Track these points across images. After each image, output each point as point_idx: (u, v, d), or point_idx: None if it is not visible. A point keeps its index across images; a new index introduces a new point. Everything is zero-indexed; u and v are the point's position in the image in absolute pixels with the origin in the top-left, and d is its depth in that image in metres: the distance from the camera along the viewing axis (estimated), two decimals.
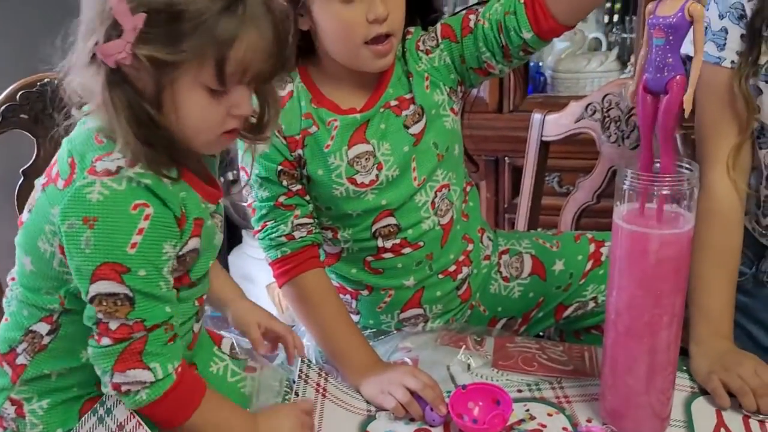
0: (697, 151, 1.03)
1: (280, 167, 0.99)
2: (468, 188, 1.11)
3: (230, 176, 2.77)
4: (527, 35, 0.95)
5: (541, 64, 2.10)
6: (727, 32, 0.97)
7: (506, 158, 1.91)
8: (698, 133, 1.02)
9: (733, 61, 0.96)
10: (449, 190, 1.05)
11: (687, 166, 0.79)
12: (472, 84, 1.05)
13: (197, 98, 0.73)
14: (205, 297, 0.88)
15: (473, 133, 1.13)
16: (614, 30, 2.08)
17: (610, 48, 2.03)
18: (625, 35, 2.05)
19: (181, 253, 0.78)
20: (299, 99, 1.00)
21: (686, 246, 0.80)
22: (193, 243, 0.79)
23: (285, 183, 1.00)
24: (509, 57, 0.98)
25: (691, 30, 0.75)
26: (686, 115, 0.76)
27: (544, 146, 1.37)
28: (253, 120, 0.83)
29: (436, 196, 1.04)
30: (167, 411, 0.78)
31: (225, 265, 2.32)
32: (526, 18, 0.94)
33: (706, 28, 0.99)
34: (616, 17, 2.10)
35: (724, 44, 0.97)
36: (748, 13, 0.95)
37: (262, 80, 0.77)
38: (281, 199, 1.00)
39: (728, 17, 0.97)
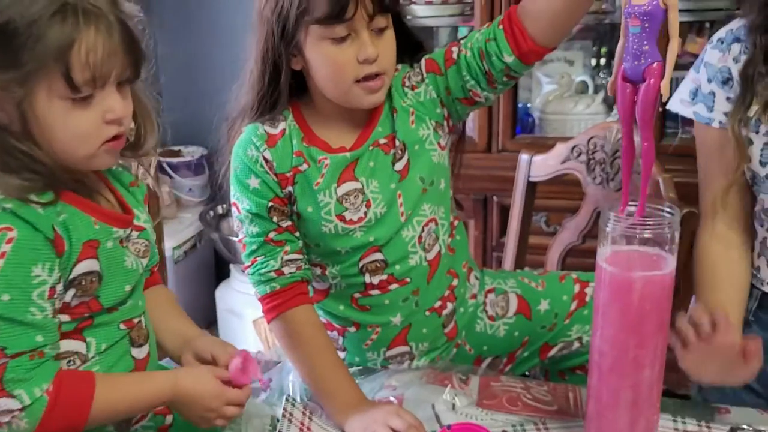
0: (699, 200, 1.11)
1: (270, 203, 1.00)
2: (455, 222, 1.12)
3: (220, 210, 2.76)
4: (509, 59, 0.96)
5: (529, 105, 2.14)
6: (714, 95, 1.05)
7: (494, 197, 1.93)
8: (699, 184, 1.10)
9: (720, 122, 1.04)
10: (437, 224, 1.06)
11: (668, 210, 0.81)
12: (459, 116, 1.07)
13: (59, 111, 0.74)
14: (138, 321, 0.86)
15: (462, 172, 1.14)
16: (601, 74, 2.13)
17: (596, 91, 2.08)
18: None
19: (72, 276, 0.77)
20: (291, 137, 1.01)
21: (668, 287, 0.81)
22: (87, 265, 0.78)
23: (275, 219, 1.01)
24: (493, 83, 1.00)
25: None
26: (664, 99, 0.78)
27: (532, 186, 1.39)
28: (131, 137, 0.83)
29: (423, 230, 1.04)
30: (60, 424, 0.75)
31: (212, 300, 2.29)
32: (506, 42, 0.96)
33: (697, 90, 1.07)
34: (602, 61, 2.15)
35: (713, 106, 1.05)
36: (735, 75, 1.02)
37: (125, 80, 0.77)
38: (271, 235, 1.01)
39: (715, 81, 1.04)
